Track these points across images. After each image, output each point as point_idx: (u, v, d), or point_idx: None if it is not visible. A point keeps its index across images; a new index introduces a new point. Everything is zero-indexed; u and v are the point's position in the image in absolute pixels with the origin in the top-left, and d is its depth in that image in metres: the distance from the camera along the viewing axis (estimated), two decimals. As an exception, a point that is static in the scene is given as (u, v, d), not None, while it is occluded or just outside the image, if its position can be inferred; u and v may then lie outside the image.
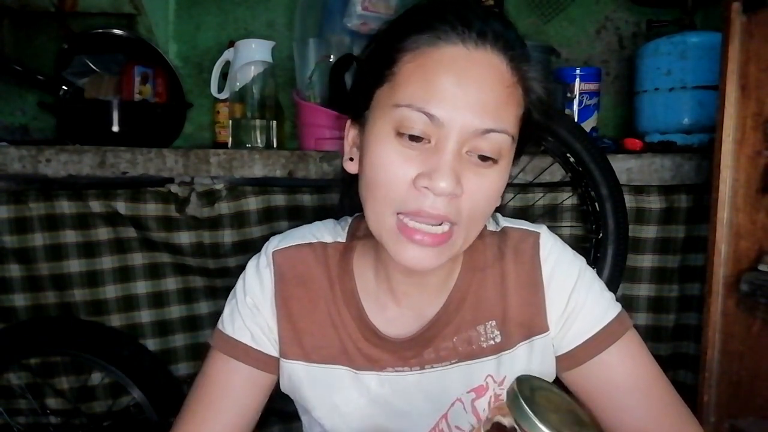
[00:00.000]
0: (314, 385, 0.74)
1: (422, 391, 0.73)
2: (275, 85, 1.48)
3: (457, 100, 0.58)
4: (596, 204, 1.22)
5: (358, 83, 0.71)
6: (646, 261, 1.31)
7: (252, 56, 1.43)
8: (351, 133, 0.70)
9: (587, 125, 1.52)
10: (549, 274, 0.73)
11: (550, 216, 1.31)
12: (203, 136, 1.78)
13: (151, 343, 1.44)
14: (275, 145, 1.47)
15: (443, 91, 0.58)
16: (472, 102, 0.59)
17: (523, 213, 1.30)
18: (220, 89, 1.50)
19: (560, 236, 0.78)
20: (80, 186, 1.38)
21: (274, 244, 0.77)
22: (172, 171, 1.34)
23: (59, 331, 1.37)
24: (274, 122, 1.47)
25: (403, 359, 0.72)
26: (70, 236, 1.37)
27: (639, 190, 1.29)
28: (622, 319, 0.73)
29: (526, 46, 0.65)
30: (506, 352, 0.73)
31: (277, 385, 0.78)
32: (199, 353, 1.48)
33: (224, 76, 1.49)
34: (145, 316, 1.43)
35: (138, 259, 1.41)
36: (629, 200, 1.26)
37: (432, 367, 0.72)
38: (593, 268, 0.78)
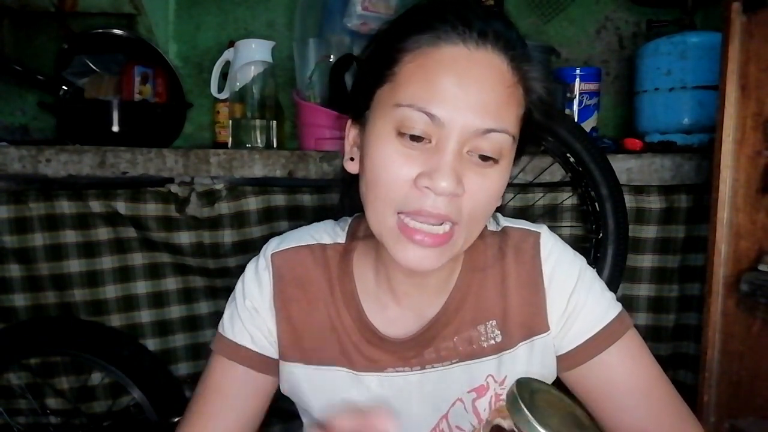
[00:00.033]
0: (314, 387, 0.74)
1: (423, 391, 0.73)
2: (275, 85, 1.48)
3: (458, 100, 0.58)
4: (596, 204, 1.22)
5: (359, 83, 0.71)
6: (646, 261, 1.31)
7: (252, 56, 1.43)
8: (351, 133, 0.70)
9: (587, 125, 1.52)
10: (549, 273, 0.73)
11: (550, 216, 1.31)
12: (203, 136, 1.78)
13: (151, 343, 1.44)
14: (275, 145, 1.47)
15: (444, 91, 0.58)
16: (473, 102, 0.59)
17: (523, 213, 1.30)
18: (220, 89, 1.50)
19: (560, 236, 0.78)
20: (80, 186, 1.38)
21: (273, 246, 0.76)
22: (172, 171, 1.34)
23: (59, 331, 1.37)
24: (274, 122, 1.47)
25: (404, 359, 0.72)
26: (70, 236, 1.37)
27: (639, 190, 1.29)
28: (622, 319, 0.73)
29: (527, 46, 0.65)
30: (507, 351, 0.73)
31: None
32: (199, 353, 1.48)
33: (224, 76, 1.49)
34: (145, 316, 1.43)
35: (138, 259, 1.41)
36: (629, 200, 1.26)
37: (432, 367, 0.72)
38: (593, 268, 0.78)
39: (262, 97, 1.44)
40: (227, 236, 1.35)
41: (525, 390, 0.53)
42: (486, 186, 0.61)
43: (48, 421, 1.46)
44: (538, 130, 0.68)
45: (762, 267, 0.99)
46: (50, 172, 1.34)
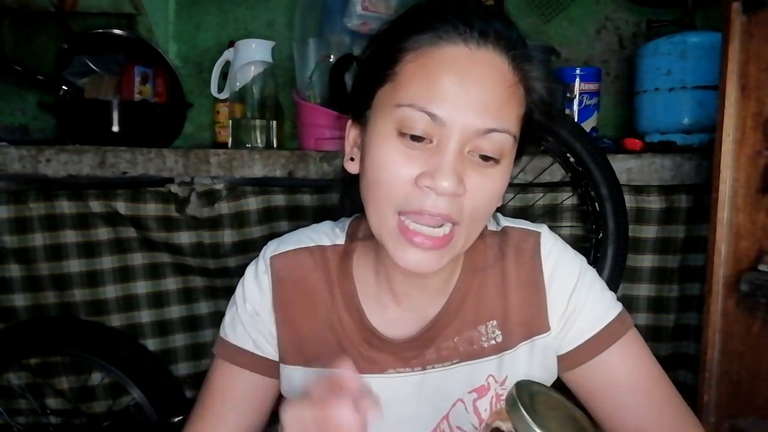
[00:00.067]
0: None
1: (424, 392, 0.73)
2: (275, 85, 1.48)
3: (459, 100, 0.58)
4: (596, 204, 1.22)
5: (359, 83, 0.71)
6: (646, 261, 1.31)
7: (252, 56, 1.43)
8: (352, 133, 0.70)
9: (587, 125, 1.52)
10: (550, 273, 0.73)
11: (550, 216, 1.31)
12: (203, 136, 1.78)
13: (151, 343, 1.44)
14: (275, 145, 1.47)
15: (445, 91, 0.58)
16: (474, 102, 0.59)
17: (523, 213, 1.30)
18: (220, 89, 1.50)
19: (560, 236, 0.78)
20: (80, 186, 1.38)
21: (272, 249, 0.76)
22: (172, 171, 1.34)
23: (59, 331, 1.37)
24: (274, 122, 1.47)
25: (405, 360, 0.72)
26: (70, 236, 1.37)
27: (639, 190, 1.29)
28: (623, 319, 0.73)
29: (527, 45, 0.65)
30: (507, 351, 0.73)
31: None
32: (199, 353, 1.48)
33: (224, 76, 1.49)
34: (145, 316, 1.43)
35: (138, 259, 1.41)
36: (629, 200, 1.26)
37: (433, 368, 0.72)
38: (593, 268, 0.78)
39: (262, 97, 1.44)
40: (227, 236, 1.35)
41: (524, 393, 0.53)
42: (487, 186, 0.61)
43: (48, 421, 1.46)
44: (539, 130, 0.68)
45: (762, 267, 0.99)
46: (50, 172, 1.34)
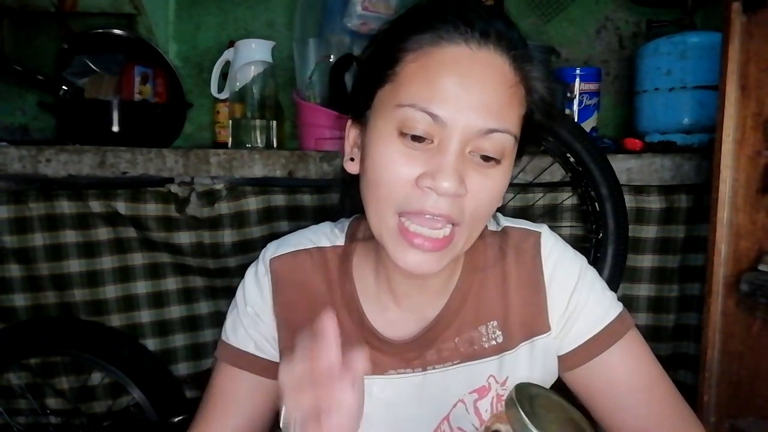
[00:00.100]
0: None
1: (424, 393, 0.73)
2: (275, 85, 1.48)
3: (460, 100, 0.58)
4: (596, 204, 1.22)
5: (359, 83, 0.71)
6: (646, 261, 1.31)
7: (252, 56, 1.43)
8: (352, 133, 0.70)
9: (587, 125, 1.52)
10: (550, 273, 0.73)
11: (550, 216, 1.31)
12: (203, 136, 1.78)
13: (151, 343, 1.44)
14: (275, 145, 1.47)
15: (446, 91, 0.58)
16: (475, 102, 0.58)
17: (523, 213, 1.30)
18: (220, 89, 1.50)
19: (560, 236, 0.78)
20: (80, 186, 1.38)
21: (272, 251, 0.76)
22: (172, 171, 1.34)
23: (59, 331, 1.37)
24: (274, 122, 1.47)
25: (406, 361, 0.72)
26: (70, 236, 1.37)
27: (639, 190, 1.29)
28: (623, 319, 0.73)
29: (528, 45, 0.65)
30: (508, 352, 0.73)
31: None
32: (199, 353, 1.48)
33: (224, 76, 1.49)
34: (145, 316, 1.43)
35: (138, 259, 1.41)
36: (629, 200, 1.26)
37: (434, 368, 0.72)
38: (593, 268, 0.78)
39: (262, 97, 1.44)
40: (227, 236, 1.35)
41: (524, 395, 0.53)
42: (488, 186, 0.61)
43: (48, 421, 1.45)
44: (539, 130, 0.68)
45: (762, 267, 0.99)
46: (50, 172, 1.34)
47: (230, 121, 1.47)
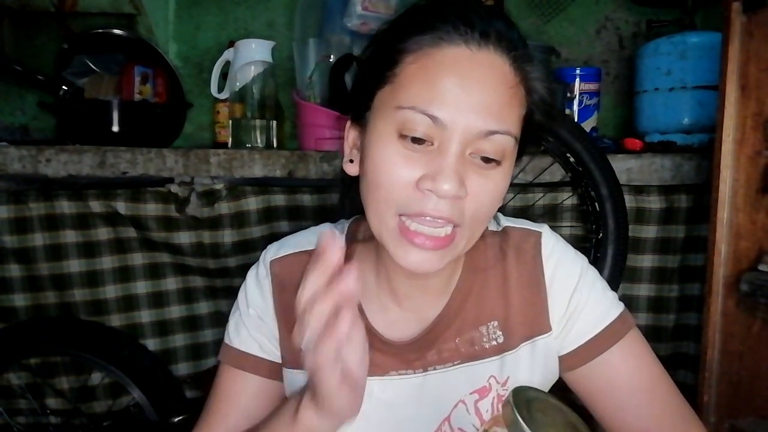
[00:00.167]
0: None
1: (425, 394, 0.72)
2: (275, 85, 1.48)
3: (461, 101, 0.58)
4: (596, 204, 1.22)
5: (359, 84, 0.70)
6: (646, 261, 1.31)
7: (252, 56, 1.43)
8: (351, 134, 0.69)
9: (587, 125, 1.52)
10: (551, 273, 0.73)
11: (550, 216, 1.31)
12: (203, 136, 1.78)
13: (151, 343, 1.44)
14: (275, 145, 1.47)
15: (446, 93, 0.58)
16: (475, 104, 0.58)
17: (523, 213, 1.30)
18: (220, 89, 1.50)
19: (560, 236, 0.78)
20: (80, 186, 1.38)
21: (272, 252, 0.76)
22: (172, 171, 1.34)
23: (59, 331, 1.37)
24: (274, 122, 1.47)
25: (407, 362, 0.72)
26: (70, 236, 1.37)
27: (639, 190, 1.29)
28: (624, 319, 0.73)
29: (528, 46, 0.64)
30: (509, 352, 0.72)
31: None
32: (199, 353, 1.48)
33: (224, 76, 1.49)
34: (145, 316, 1.43)
35: (138, 259, 1.41)
36: (629, 200, 1.26)
37: (435, 369, 0.72)
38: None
39: (262, 97, 1.44)
40: (227, 236, 1.35)
41: (521, 399, 0.53)
42: (489, 188, 0.61)
43: (48, 421, 1.46)
44: (539, 130, 0.67)
45: (762, 267, 0.99)
46: (50, 172, 1.34)
47: (230, 121, 1.47)
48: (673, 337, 1.36)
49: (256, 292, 0.75)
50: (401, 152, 0.60)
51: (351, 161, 0.69)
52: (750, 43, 0.99)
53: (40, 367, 1.43)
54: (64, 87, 1.50)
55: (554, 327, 0.73)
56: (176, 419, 1.35)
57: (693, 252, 1.31)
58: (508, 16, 0.65)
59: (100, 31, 1.57)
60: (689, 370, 1.35)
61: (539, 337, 0.73)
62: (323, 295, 0.51)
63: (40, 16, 1.67)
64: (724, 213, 1.03)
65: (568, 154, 1.23)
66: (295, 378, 0.73)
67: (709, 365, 1.05)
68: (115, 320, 1.42)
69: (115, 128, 1.43)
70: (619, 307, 0.74)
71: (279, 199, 1.37)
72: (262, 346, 0.74)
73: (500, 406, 0.71)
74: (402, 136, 0.59)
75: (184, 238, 1.36)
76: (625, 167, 1.28)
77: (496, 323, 0.73)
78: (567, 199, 1.30)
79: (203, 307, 1.47)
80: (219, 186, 1.34)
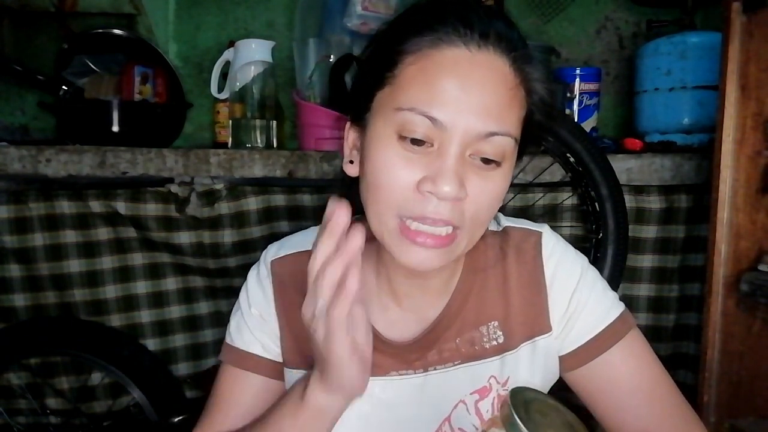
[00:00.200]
0: None
1: (426, 394, 0.72)
2: (275, 85, 1.48)
3: (460, 103, 0.58)
4: (596, 204, 1.22)
5: (358, 85, 0.70)
6: (646, 261, 1.31)
7: (252, 56, 1.43)
8: (351, 135, 0.69)
9: (587, 125, 1.52)
10: (551, 273, 0.73)
11: (550, 216, 1.31)
12: (203, 136, 1.78)
13: (151, 343, 1.44)
14: (275, 145, 1.47)
15: (446, 95, 0.58)
16: (475, 105, 0.58)
17: (523, 213, 1.30)
18: (220, 89, 1.50)
19: (560, 236, 0.78)
20: (80, 186, 1.38)
21: (272, 253, 0.76)
22: (172, 171, 1.34)
23: (59, 331, 1.37)
24: (274, 122, 1.47)
25: (407, 362, 0.72)
26: (70, 236, 1.37)
27: (639, 190, 1.29)
28: (625, 319, 0.73)
29: (528, 46, 0.64)
30: (509, 352, 0.72)
31: None
32: (199, 353, 1.48)
33: (224, 76, 1.49)
34: (145, 316, 1.43)
35: (138, 259, 1.41)
36: (629, 200, 1.26)
37: (435, 369, 0.72)
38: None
39: (262, 97, 1.44)
40: (227, 236, 1.35)
41: (519, 400, 0.53)
42: (489, 189, 0.61)
43: (48, 421, 1.46)
44: (540, 130, 0.67)
45: (762, 267, 0.99)
46: (50, 172, 1.34)
47: (230, 121, 1.47)
48: (673, 337, 1.36)
49: (258, 291, 0.75)
50: (401, 154, 0.59)
51: (351, 162, 0.68)
52: (750, 43, 0.99)
53: (40, 367, 1.43)
54: (64, 87, 1.50)
55: (554, 327, 0.73)
56: (176, 419, 1.35)
57: (693, 252, 1.31)
58: (508, 17, 0.65)
59: (100, 31, 1.57)
60: (689, 370, 1.35)
61: (539, 337, 0.73)
62: (334, 258, 0.53)
63: (40, 16, 1.67)
64: (724, 213, 1.03)
65: (568, 154, 1.23)
66: (294, 377, 0.73)
67: (709, 365, 1.05)
68: (115, 320, 1.42)
69: (115, 128, 1.43)
70: (619, 307, 0.74)
71: (279, 199, 1.37)
72: (264, 345, 0.74)
73: (499, 406, 0.71)
74: (402, 138, 0.59)
75: (184, 238, 1.36)
76: (625, 167, 1.28)
77: (496, 323, 0.73)
78: (567, 199, 1.31)
79: (203, 307, 1.47)
80: (219, 186, 1.34)
